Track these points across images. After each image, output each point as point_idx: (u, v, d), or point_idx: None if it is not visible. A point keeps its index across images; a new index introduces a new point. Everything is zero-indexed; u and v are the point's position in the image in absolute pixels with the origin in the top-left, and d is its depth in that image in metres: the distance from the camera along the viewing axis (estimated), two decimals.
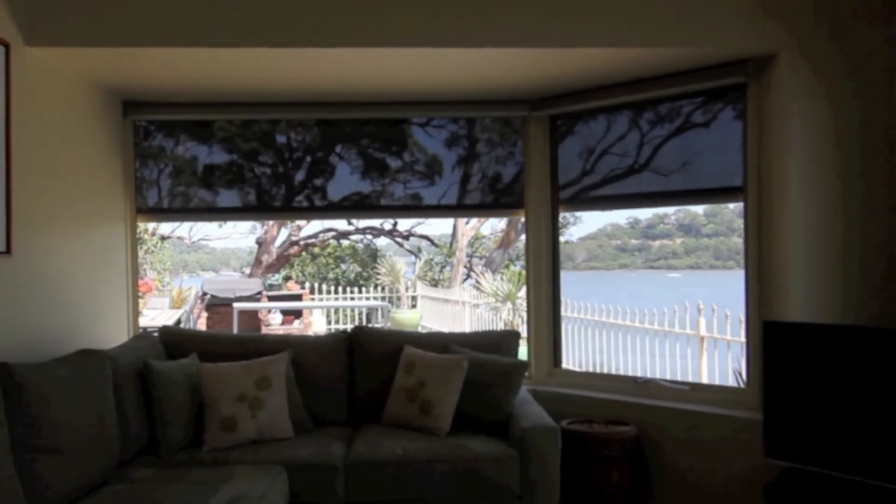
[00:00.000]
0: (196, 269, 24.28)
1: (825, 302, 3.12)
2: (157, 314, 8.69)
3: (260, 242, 15.61)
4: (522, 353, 4.02)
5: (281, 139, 4.24)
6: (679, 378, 5.14)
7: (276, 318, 10.59)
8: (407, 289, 13.01)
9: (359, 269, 16.18)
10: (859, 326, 2.88)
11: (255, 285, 11.98)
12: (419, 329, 10.86)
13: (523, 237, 6.22)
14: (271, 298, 11.51)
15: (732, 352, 6.08)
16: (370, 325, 8.84)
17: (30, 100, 3.02)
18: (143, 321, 7.10)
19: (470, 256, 14.84)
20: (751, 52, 3.26)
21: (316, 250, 16.32)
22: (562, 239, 4.44)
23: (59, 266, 3.29)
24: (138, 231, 4.50)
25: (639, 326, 7.08)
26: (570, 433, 3.49)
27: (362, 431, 3.45)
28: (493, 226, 15.44)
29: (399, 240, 16.22)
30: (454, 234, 14.90)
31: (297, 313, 11.02)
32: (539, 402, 3.58)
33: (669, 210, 29.30)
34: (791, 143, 3.17)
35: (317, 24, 3.12)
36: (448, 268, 14.98)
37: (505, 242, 13.85)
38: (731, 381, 5.56)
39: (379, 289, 13.16)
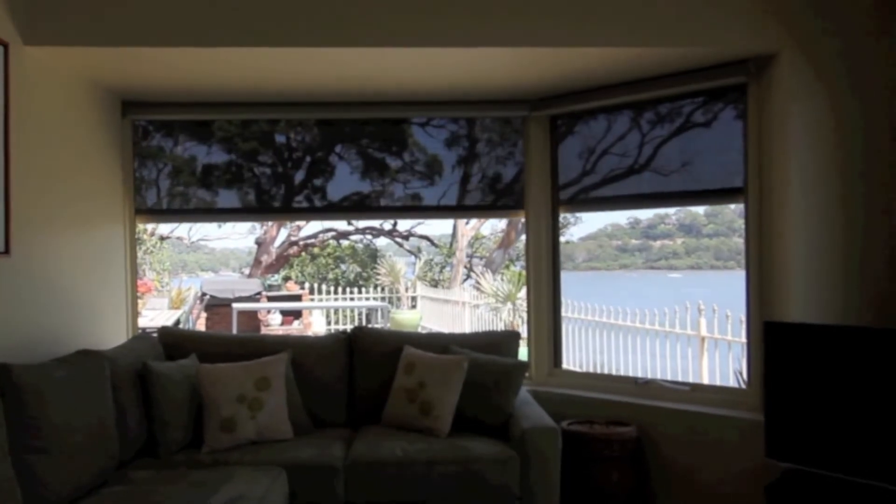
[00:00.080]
0: (195, 269, 24.25)
1: (826, 302, 3.11)
2: (156, 315, 8.68)
3: (259, 243, 15.60)
4: (523, 353, 4.01)
5: (280, 139, 4.23)
6: (680, 379, 5.12)
7: (275, 319, 10.58)
8: (407, 289, 13.00)
9: (358, 270, 16.18)
10: (860, 327, 2.87)
11: (254, 286, 11.98)
12: (419, 330, 10.85)
13: (523, 237, 6.22)
14: (271, 299, 11.50)
15: (733, 352, 6.07)
16: (370, 326, 8.82)
17: (29, 99, 3.01)
18: (142, 322, 7.08)
19: (470, 257, 14.83)
20: (751, 52, 3.26)
21: (315, 250, 16.31)
22: (562, 239, 4.43)
23: (58, 266, 3.29)
24: (137, 231, 4.49)
25: (639, 327, 7.07)
26: (571, 434, 3.49)
27: (362, 432, 3.45)
28: (493, 226, 15.46)
29: (399, 240, 16.22)
30: (454, 235, 14.89)
31: (297, 314, 11.01)
32: (539, 403, 3.58)
33: (670, 210, 29.33)
34: (791, 143, 3.16)
35: (317, 24, 3.11)
36: (448, 268, 14.97)
37: (505, 243, 13.84)
38: (731, 382, 5.54)
39: (379, 289, 13.15)
